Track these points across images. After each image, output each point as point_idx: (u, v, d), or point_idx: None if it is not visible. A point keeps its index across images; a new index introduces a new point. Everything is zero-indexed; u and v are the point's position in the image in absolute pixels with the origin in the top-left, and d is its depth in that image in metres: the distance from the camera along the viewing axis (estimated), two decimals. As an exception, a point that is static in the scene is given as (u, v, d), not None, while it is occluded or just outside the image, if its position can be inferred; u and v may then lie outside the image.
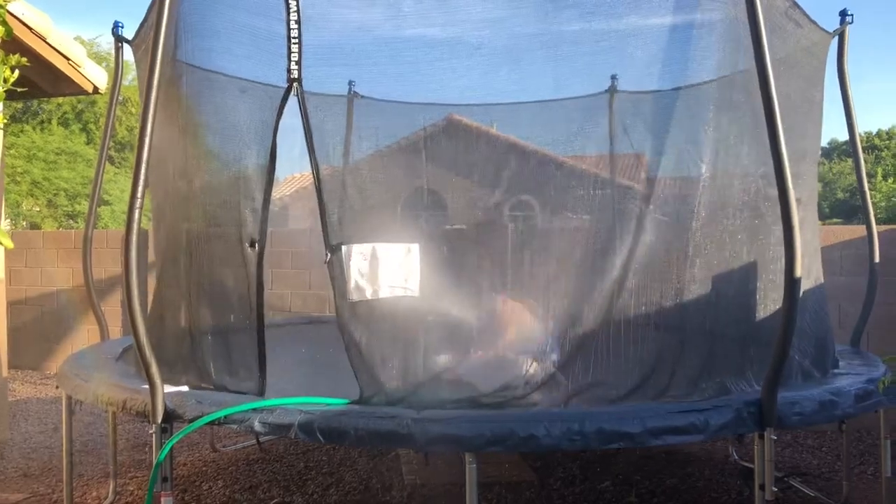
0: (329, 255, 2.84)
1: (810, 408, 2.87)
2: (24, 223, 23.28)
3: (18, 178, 21.90)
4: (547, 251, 3.66)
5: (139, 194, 2.76)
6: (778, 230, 3.25)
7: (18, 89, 2.50)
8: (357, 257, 2.85)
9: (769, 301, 3.19)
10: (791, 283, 2.62)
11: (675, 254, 3.21)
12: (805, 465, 5.06)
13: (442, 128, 5.47)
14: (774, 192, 3.13)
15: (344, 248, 2.84)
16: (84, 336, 8.43)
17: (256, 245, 3.06)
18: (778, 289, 3.20)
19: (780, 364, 2.67)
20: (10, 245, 1.35)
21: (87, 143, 26.25)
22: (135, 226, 2.75)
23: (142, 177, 2.76)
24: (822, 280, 3.85)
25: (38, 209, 23.45)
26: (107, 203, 22.63)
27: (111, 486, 4.43)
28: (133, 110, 24.93)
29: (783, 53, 3.17)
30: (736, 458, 5.10)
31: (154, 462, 2.75)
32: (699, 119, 3.14)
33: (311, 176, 4.70)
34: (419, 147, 5.10)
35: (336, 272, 2.85)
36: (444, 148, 5.26)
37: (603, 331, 3.04)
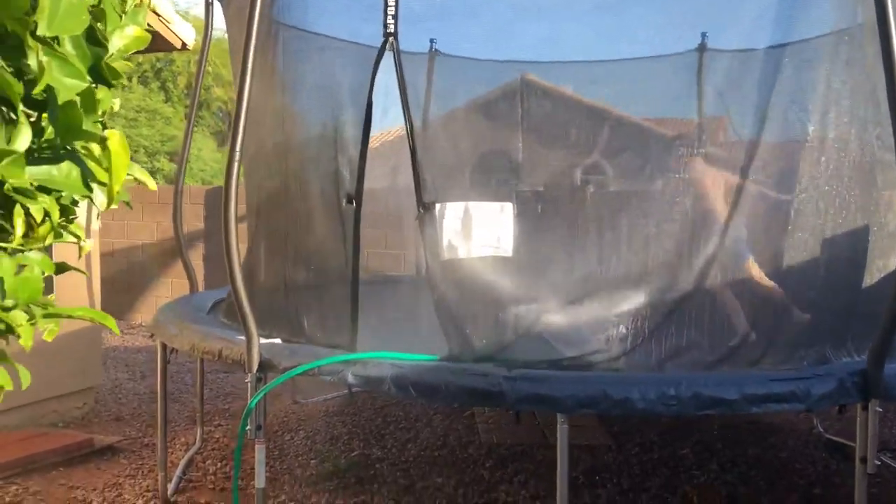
0: (421, 211, 2.84)
1: (917, 380, 2.76)
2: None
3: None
4: (641, 214, 3.56)
5: (238, 148, 2.80)
6: (889, 195, 3.11)
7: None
8: (450, 215, 2.84)
9: (874, 269, 3.06)
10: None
11: (777, 220, 3.10)
12: (893, 440, 4.90)
13: (523, 87, 5.37)
14: (888, 155, 2.99)
15: (437, 205, 2.83)
16: (167, 288, 8.72)
17: (353, 201, 3.08)
18: (884, 256, 3.07)
19: (890, 333, 2.56)
20: (153, 186, 1.39)
21: (166, 102, 26.85)
22: (233, 181, 2.79)
23: (241, 130, 2.80)
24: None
25: (119, 166, 24.19)
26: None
27: (198, 433, 4.60)
28: (210, 69, 25.37)
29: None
30: (820, 430, 4.96)
31: (246, 408, 2.82)
32: (809, 77, 2.99)
33: (388, 135, 4.71)
34: (504, 106, 5.03)
35: (428, 230, 2.85)
36: (529, 108, 5.17)
37: (698, 296, 2.96)
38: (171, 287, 8.65)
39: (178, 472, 4.09)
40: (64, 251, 2.01)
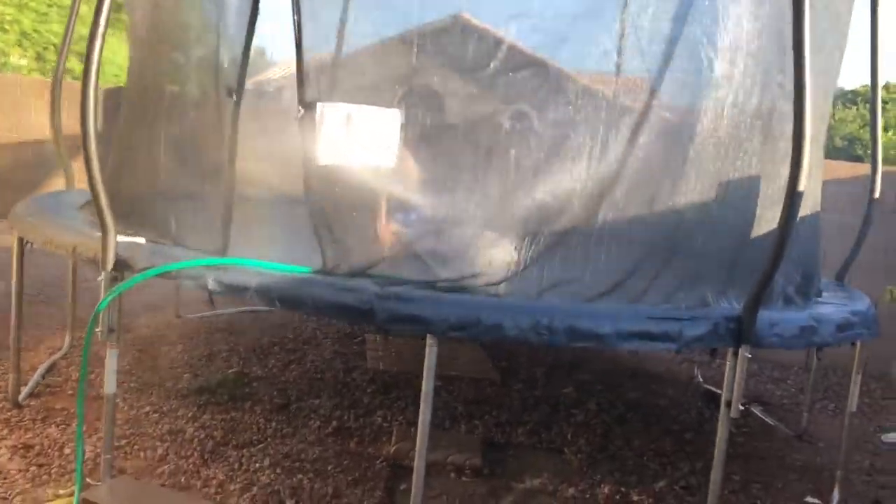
0: (301, 111, 2.61)
1: (790, 331, 2.77)
2: (11, 75, 22.50)
3: (7, 27, 21.02)
4: (532, 149, 3.41)
5: (102, 22, 2.51)
6: (784, 147, 3.06)
7: None
8: (332, 117, 2.63)
9: (764, 220, 3.04)
10: (792, 196, 2.46)
11: (673, 163, 3.03)
12: (767, 395, 5.05)
13: (447, 25, 5.13)
14: (787, 105, 2.94)
15: (318, 105, 2.62)
16: (58, 188, 8.19)
17: (233, 95, 2.84)
18: (774, 208, 3.05)
19: (768, 280, 2.54)
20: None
21: (81, -2, 25.17)
22: (94, 58, 2.51)
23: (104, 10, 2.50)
24: (818, 209, 3.70)
25: (25, 62, 22.66)
26: (96, 63, 21.77)
27: (66, 339, 4.34)
28: (130, -31, 23.82)
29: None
30: (700, 380, 5.08)
31: (95, 309, 2.61)
32: (721, 13, 2.88)
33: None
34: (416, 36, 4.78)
35: (307, 131, 2.64)
36: (445, 44, 4.93)
37: (583, 230, 2.87)
38: (63, 187, 8.12)
39: (35, 376, 3.84)
40: None
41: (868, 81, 4.23)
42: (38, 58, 22.69)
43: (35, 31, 21.76)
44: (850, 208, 5.49)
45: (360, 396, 4.13)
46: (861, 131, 22.08)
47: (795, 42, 2.51)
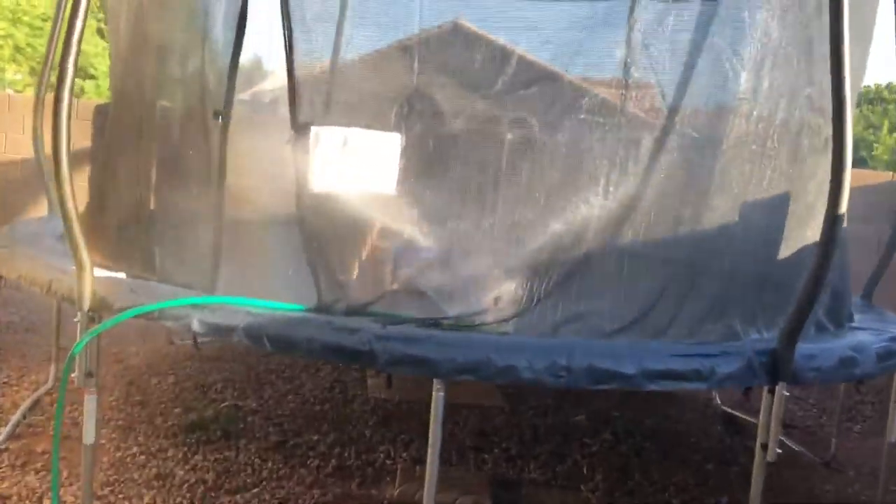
0: (294, 134, 2.40)
1: (829, 364, 2.53)
2: (10, 91, 22.33)
3: (1, 42, 20.86)
4: (545, 171, 3.19)
5: (76, 38, 2.30)
6: (813, 162, 2.85)
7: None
8: (326, 141, 2.42)
9: (791, 240, 2.82)
10: (833, 219, 2.24)
11: (696, 183, 2.80)
12: (789, 416, 4.81)
13: (446, 31, 4.94)
14: (816, 118, 2.73)
15: (313, 128, 2.40)
16: (46, 209, 7.98)
17: (221, 117, 2.62)
18: (802, 228, 2.83)
19: (806, 312, 2.31)
20: None
21: (75, 13, 25.01)
22: (69, 73, 2.31)
23: (79, 22, 2.29)
24: (845, 224, 3.47)
25: (20, 76, 22.49)
26: (92, 77, 21.73)
27: (51, 372, 4.11)
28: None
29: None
30: (718, 402, 4.84)
31: (70, 352, 2.39)
32: (746, 23, 2.66)
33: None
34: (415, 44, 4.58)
35: (300, 156, 2.42)
36: (445, 52, 4.74)
37: (601, 260, 2.65)
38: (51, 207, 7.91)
39: (17, 415, 3.61)
40: None
41: (870, 82, 4.03)
42: (33, 72, 22.48)
43: (29, 45, 21.57)
44: (857, 217, 5.25)
45: (361, 430, 3.90)
46: (864, 133, 21.85)
47: (833, 54, 2.30)
